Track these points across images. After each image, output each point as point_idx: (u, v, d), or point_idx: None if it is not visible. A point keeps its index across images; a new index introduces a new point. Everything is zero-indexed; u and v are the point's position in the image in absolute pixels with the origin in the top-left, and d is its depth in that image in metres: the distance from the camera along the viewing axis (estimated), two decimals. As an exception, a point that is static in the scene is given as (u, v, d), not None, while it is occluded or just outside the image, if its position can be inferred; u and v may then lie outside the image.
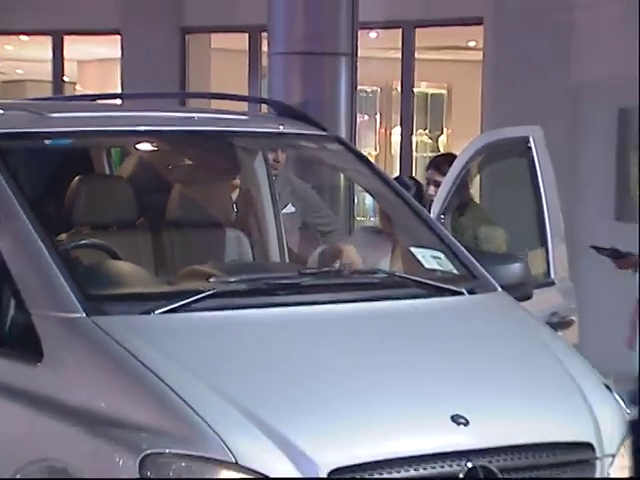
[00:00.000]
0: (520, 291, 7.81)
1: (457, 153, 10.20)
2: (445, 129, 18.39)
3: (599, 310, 12.84)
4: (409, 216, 8.18)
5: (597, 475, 6.39)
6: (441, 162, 11.25)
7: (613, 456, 6.47)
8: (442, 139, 17.98)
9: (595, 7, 14.92)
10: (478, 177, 9.99)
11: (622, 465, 6.45)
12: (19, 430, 6.34)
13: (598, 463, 6.37)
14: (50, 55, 19.30)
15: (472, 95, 16.77)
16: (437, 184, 10.47)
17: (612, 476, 6.40)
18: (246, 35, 17.12)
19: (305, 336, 6.79)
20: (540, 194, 8.96)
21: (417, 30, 16.66)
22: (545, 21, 15.37)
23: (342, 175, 7.97)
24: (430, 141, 17.78)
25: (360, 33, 14.38)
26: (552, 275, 8.79)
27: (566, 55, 15.17)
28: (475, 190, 10.45)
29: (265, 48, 15.11)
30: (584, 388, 6.80)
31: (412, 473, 5.99)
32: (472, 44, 16.88)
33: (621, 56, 14.79)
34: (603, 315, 13.12)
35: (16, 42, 20.31)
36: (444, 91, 18.76)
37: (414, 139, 17.07)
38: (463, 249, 7.92)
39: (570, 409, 6.67)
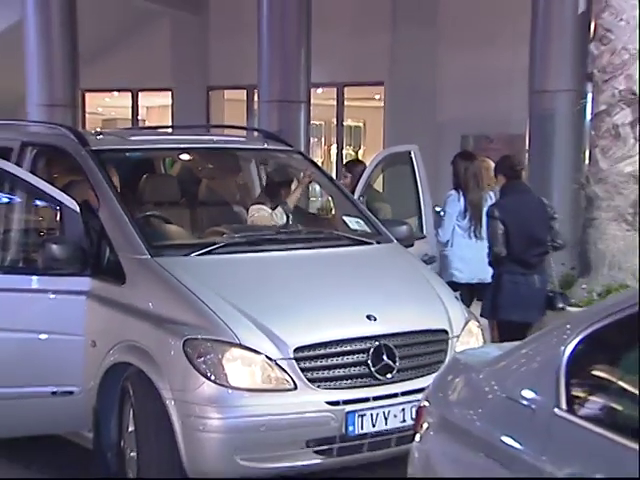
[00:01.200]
0: (406, 242, 7.98)
1: (367, 161, 10.22)
2: (362, 146, 18.57)
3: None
4: (341, 197, 8.35)
5: (449, 347, 6.70)
6: (350, 164, 11.15)
7: (458, 337, 6.80)
8: (360, 152, 18.04)
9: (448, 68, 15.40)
10: (381, 175, 10.02)
11: (462, 342, 6.75)
12: (112, 323, 6.55)
13: (450, 341, 6.71)
14: (130, 103, 19.32)
15: (377, 126, 16.97)
16: (346, 177, 10.45)
17: (457, 348, 6.64)
18: (245, 91, 17.29)
19: (280, 268, 7.05)
20: (417, 185, 8.95)
21: (345, 88, 16.91)
22: (416, 88, 15.45)
23: (301, 173, 8.17)
24: (353, 153, 17.86)
25: (312, 89, 14.67)
26: (424, 232, 8.87)
27: (433, 103, 15.40)
28: (379, 182, 10.48)
29: (256, 98, 15.32)
30: (442, 297, 7.12)
31: (344, 348, 6.28)
32: (377, 97, 16.98)
33: (470, 99, 14.99)
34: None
35: (111, 96, 20.34)
36: (361, 124, 18.80)
37: (344, 152, 17.38)
38: (373, 217, 8.12)
39: (435, 310, 6.92)
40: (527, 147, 12.17)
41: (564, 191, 11.29)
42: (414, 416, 5.53)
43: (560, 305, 8.80)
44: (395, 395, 6.35)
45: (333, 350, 6.28)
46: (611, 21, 8.61)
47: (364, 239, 7.69)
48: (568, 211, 11.02)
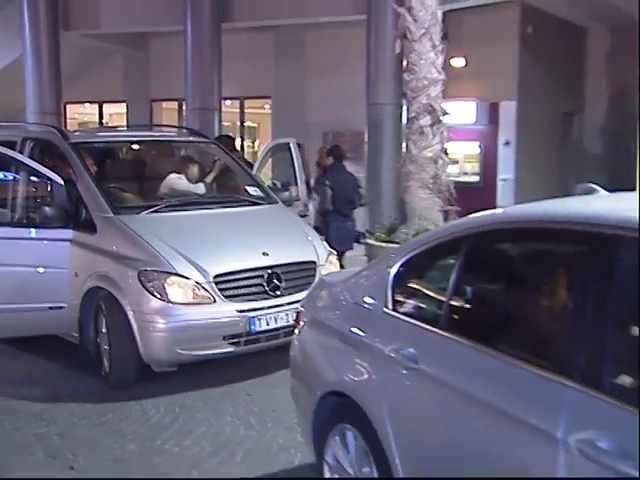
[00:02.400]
0: (288, 203, 7.94)
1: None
2: (257, 140, 18.48)
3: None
4: (243, 173, 8.11)
5: (317, 272, 6.64)
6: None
7: (322, 265, 6.74)
8: (256, 144, 17.88)
9: (313, 86, 15.22)
10: (270, 159, 10.01)
11: (325, 268, 6.68)
12: (88, 260, 6.46)
13: (317, 268, 6.67)
14: (97, 111, 19.05)
15: (267, 127, 16.87)
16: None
17: (322, 272, 6.55)
18: (176, 102, 17.01)
19: (202, 221, 6.89)
20: (294, 165, 8.73)
21: (245, 100, 16.76)
22: (292, 100, 15.54)
23: (215, 156, 8.07)
24: (251, 144, 17.74)
25: (223, 101, 14.60)
26: (300, 196, 8.81)
27: (303, 111, 15.37)
28: (269, 165, 10.46)
29: (184, 107, 15.21)
30: (312, 239, 7.09)
31: (249, 274, 6.28)
32: (267, 106, 16.86)
33: (328, 107, 14.76)
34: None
35: (83, 107, 19.75)
36: (256, 125, 18.64)
37: (245, 144, 17.24)
38: (265, 186, 8.06)
39: (307, 248, 6.88)
40: (366, 140, 12.16)
41: (390, 169, 11.34)
42: (294, 318, 5.43)
43: (361, 240, 9.82)
44: (282, 305, 6.38)
45: (240, 276, 6.30)
46: (416, 60, 8.74)
47: (259, 201, 7.62)
48: (393, 182, 11.15)
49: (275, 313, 6.34)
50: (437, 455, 3.13)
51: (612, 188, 3.83)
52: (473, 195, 11.91)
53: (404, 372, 3.26)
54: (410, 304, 3.58)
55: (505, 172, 13.99)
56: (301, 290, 6.35)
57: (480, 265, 3.39)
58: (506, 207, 3.44)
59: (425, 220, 8.75)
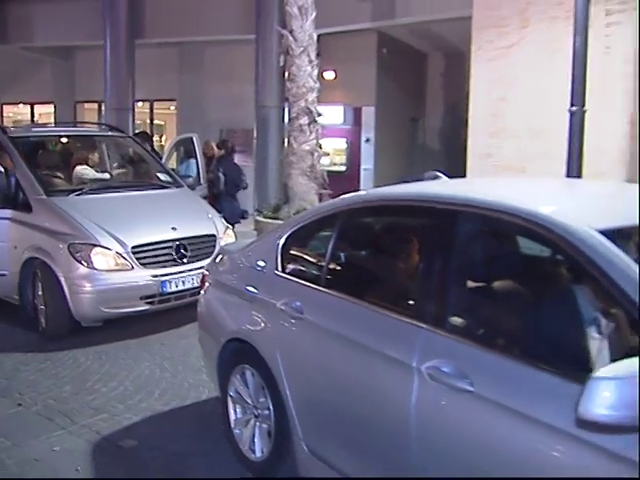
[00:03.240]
0: (192, 187, 7.75)
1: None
2: (164, 135, 18.01)
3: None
4: (155, 162, 7.83)
5: (217, 243, 6.50)
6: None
7: (221, 238, 6.62)
8: (163, 139, 17.38)
9: (212, 92, 15.16)
10: (175, 151, 9.82)
11: (224, 240, 6.54)
12: (25, 235, 6.22)
13: (217, 240, 6.55)
14: (29, 111, 18.29)
15: (172, 124, 16.50)
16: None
17: (221, 243, 6.45)
18: (97, 103, 16.42)
19: (121, 202, 6.65)
20: (197, 156, 8.85)
21: (155, 102, 16.32)
22: (194, 102, 15.29)
23: (130, 148, 7.85)
24: (159, 139, 17.31)
25: (135, 103, 14.26)
26: (201, 182, 8.66)
27: (202, 111, 15.10)
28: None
29: (103, 108, 14.72)
30: (212, 217, 6.94)
31: (161, 245, 6.13)
32: (172, 107, 16.48)
33: (224, 109, 14.61)
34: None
35: (18, 107, 18.78)
36: (163, 123, 18.16)
37: (154, 139, 16.74)
38: (172, 172, 7.87)
39: (208, 223, 6.73)
40: (255, 136, 12.07)
41: (274, 159, 11.42)
42: (199, 281, 5.44)
43: (246, 216, 9.76)
44: (188, 270, 6.29)
45: (153, 247, 6.17)
46: (296, 72, 8.78)
47: (168, 185, 7.44)
48: (277, 170, 11.23)
49: (183, 277, 6.25)
50: (319, 385, 3.17)
51: (449, 176, 3.96)
52: (341, 181, 11.89)
53: (292, 321, 3.28)
54: (296, 267, 3.59)
55: (366, 163, 14.18)
56: (204, 258, 6.34)
57: (351, 235, 3.44)
58: (369, 189, 3.47)
59: (304, 201, 8.83)
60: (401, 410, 2.58)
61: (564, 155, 7.66)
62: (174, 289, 6.20)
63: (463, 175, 10.96)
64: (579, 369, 2.04)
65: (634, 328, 2.04)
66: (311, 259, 3.58)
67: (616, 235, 2.26)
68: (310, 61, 8.76)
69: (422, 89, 15.88)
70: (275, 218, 8.93)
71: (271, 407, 3.46)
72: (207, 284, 4.26)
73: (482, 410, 2.28)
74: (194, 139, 8.92)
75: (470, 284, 2.71)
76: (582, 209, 2.63)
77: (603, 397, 1.79)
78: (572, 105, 6.95)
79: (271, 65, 11.40)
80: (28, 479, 3.28)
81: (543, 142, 9.09)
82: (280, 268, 3.58)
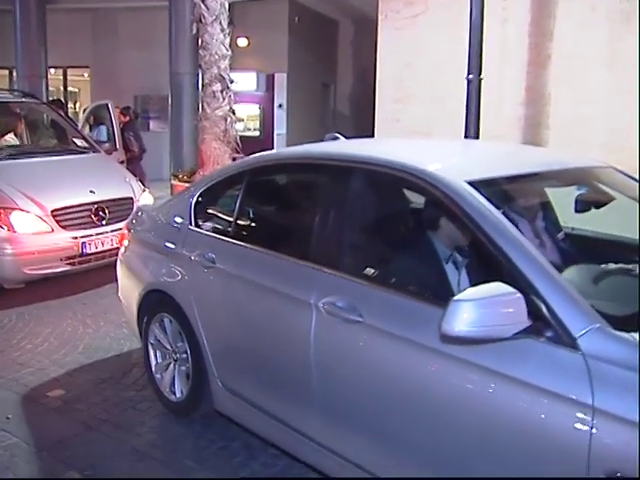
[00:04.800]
0: (107, 152, 7.81)
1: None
2: (78, 102, 17.37)
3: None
4: (71, 127, 7.72)
5: (134, 205, 6.46)
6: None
7: (138, 200, 6.63)
8: (77, 107, 16.74)
9: (125, 59, 14.76)
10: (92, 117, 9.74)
11: (141, 201, 6.62)
12: None
13: (134, 202, 6.55)
14: None
15: (86, 91, 16.12)
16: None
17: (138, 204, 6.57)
18: (8, 70, 15.77)
19: (40, 167, 6.59)
20: (112, 121, 8.89)
21: (68, 69, 15.93)
22: (108, 70, 14.94)
23: (45, 114, 7.72)
24: (73, 107, 16.86)
25: (49, 70, 13.98)
26: (117, 147, 8.63)
27: (118, 78, 14.78)
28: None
29: (15, 74, 14.26)
30: (129, 180, 6.95)
31: (79, 208, 6.16)
32: (85, 74, 16.01)
33: (139, 76, 14.41)
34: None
35: None
36: (77, 90, 17.50)
37: (69, 105, 16.23)
38: (89, 138, 7.84)
39: (125, 187, 6.77)
40: (170, 103, 11.96)
41: (189, 125, 11.35)
42: (119, 239, 5.58)
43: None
44: (107, 232, 6.36)
45: (73, 210, 6.20)
46: (209, 39, 8.80)
47: (85, 150, 7.42)
48: (191, 135, 11.23)
49: (102, 238, 6.32)
50: (230, 326, 3.40)
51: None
52: (256, 146, 11.71)
53: (205, 271, 3.48)
54: (207, 222, 3.76)
55: (279, 128, 14.29)
56: (122, 220, 6.27)
57: (256, 191, 3.65)
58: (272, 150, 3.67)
59: (218, 165, 8.88)
60: (302, 342, 2.85)
61: (461, 120, 8.07)
62: (94, 250, 6.26)
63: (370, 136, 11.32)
64: (444, 297, 2.35)
65: (488, 261, 2.37)
66: (221, 214, 3.76)
67: (483, 185, 2.57)
68: (222, 29, 8.80)
69: (333, 56, 16.08)
70: (189, 181, 8.99)
71: (188, 350, 3.67)
72: (127, 241, 4.38)
73: (370, 337, 2.58)
74: (109, 106, 8.82)
75: (359, 231, 3.00)
76: (459, 165, 2.93)
77: (462, 316, 2.10)
78: (469, 73, 7.32)
79: (184, 32, 11.26)
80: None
81: (446, 107, 9.45)
82: (193, 223, 3.76)
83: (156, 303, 3.93)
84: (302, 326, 2.86)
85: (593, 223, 3.29)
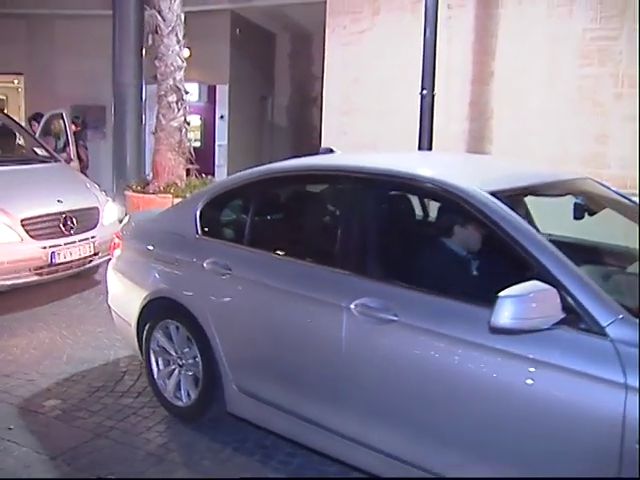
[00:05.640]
0: (66, 162, 7.73)
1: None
2: (6, 110, 16.61)
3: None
4: (30, 137, 7.72)
5: (100, 216, 6.70)
6: (35, 116, 10.16)
7: (104, 210, 6.76)
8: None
9: (60, 67, 14.43)
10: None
11: (105, 212, 6.76)
12: None
13: (100, 212, 6.67)
14: None
15: (15, 99, 15.72)
16: (35, 125, 9.71)
17: (104, 216, 6.64)
18: None
19: (4, 177, 6.48)
20: (67, 131, 8.81)
21: None
22: (42, 78, 14.55)
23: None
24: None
25: None
26: (72, 157, 8.54)
27: (53, 87, 14.47)
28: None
29: None
30: (94, 191, 6.99)
31: (48, 217, 6.15)
32: (16, 82, 15.54)
33: (78, 86, 14.27)
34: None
35: None
36: (4, 97, 16.80)
37: None
38: (49, 147, 7.72)
39: (91, 197, 6.84)
40: (113, 113, 11.83)
41: (132, 135, 11.34)
42: (85, 252, 6.12)
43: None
44: (75, 242, 6.37)
45: (42, 219, 6.19)
46: (165, 51, 8.82)
47: (47, 159, 7.37)
48: (135, 145, 11.26)
49: (70, 248, 6.32)
50: (250, 330, 3.51)
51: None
52: (198, 157, 12.01)
53: (221, 278, 3.57)
54: (217, 230, 3.89)
55: (221, 139, 14.32)
56: (89, 230, 6.54)
57: (277, 200, 3.85)
58: (277, 162, 3.84)
59: (172, 175, 8.93)
60: (333, 343, 3.02)
61: (409, 133, 8.45)
62: (62, 260, 6.25)
63: (310, 151, 11.63)
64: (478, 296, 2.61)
65: (518, 262, 2.64)
66: (234, 223, 3.90)
67: (501, 195, 2.84)
68: (178, 40, 8.85)
69: (271, 69, 16.22)
70: (144, 192, 8.98)
71: (199, 355, 3.76)
72: (119, 250, 4.43)
73: (407, 335, 2.79)
74: (64, 115, 8.72)
75: (387, 238, 3.21)
76: (474, 177, 3.17)
77: (507, 310, 2.36)
78: (423, 89, 7.73)
79: (129, 42, 11.22)
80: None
81: (391, 121, 9.86)
82: (200, 232, 3.87)
83: (160, 310, 3.98)
84: (332, 328, 3.01)
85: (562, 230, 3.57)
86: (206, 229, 3.89)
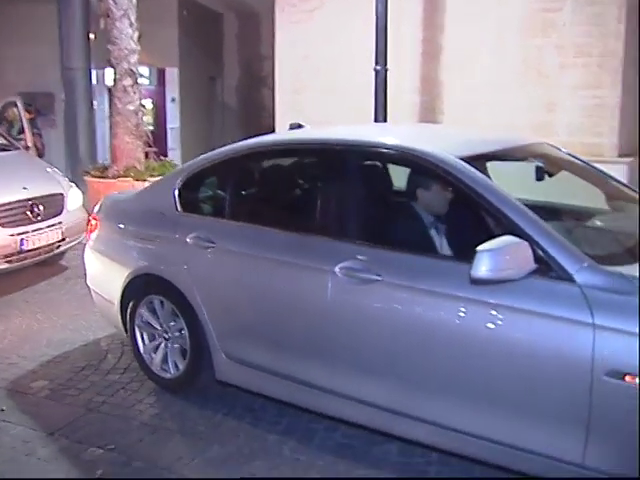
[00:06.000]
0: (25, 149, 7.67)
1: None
2: None
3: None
4: None
5: (65, 201, 6.69)
6: None
7: (68, 195, 6.76)
8: None
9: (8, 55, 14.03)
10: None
11: (70, 197, 6.74)
12: None
13: (64, 197, 6.65)
14: None
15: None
16: None
17: (67, 201, 6.61)
18: None
19: None
20: (22, 119, 8.68)
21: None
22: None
23: None
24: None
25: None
26: (29, 145, 8.46)
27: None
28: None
29: None
30: (57, 177, 6.99)
31: (15, 205, 6.14)
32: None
33: (21, 72, 13.90)
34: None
35: None
36: None
37: None
38: (9, 137, 7.67)
39: (55, 183, 6.78)
40: (63, 99, 11.69)
41: (84, 121, 11.31)
42: (53, 238, 6.14)
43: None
44: (42, 228, 6.37)
45: (9, 207, 6.17)
46: (118, 34, 8.75)
47: (6, 147, 7.29)
48: (86, 130, 11.26)
49: (38, 235, 6.32)
50: (238, 299, 3.64)
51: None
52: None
53: (205, 251, 3.71)
54: (199, 206, 4.03)
55: (172, 122, 14.25)
56: (55, 216, 6.54)
57: (257, 174, 3.99)
58: (258, 138, 3.97)
59: (131, 159, 8.91)
60: (318, 305, 3.21)
61: (361, 107, 8.65)
62: (31, 247, 6.25)
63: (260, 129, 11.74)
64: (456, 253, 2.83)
65: (491, 220, 2.89)
66: (213, 198, 4.03)
67: (470, 160, 3.07)
68: (131, 24, 8.80)
69: (219, 49, 16.15)
70: (102, 177, 8.95)
71: (186, 328, 3.89)
72: (97, 230, 4.48)
73: (391, 292, 2.99)
74: (18, 103, 8.61)
75: (363, 204, 3.39)
76: (438, 144, 3.39)
77: (485, 263, 2.59)
78: (376, 64, 7.92)
79: (75, 27, 11.12)
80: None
81: (342, 97, 10.04)
82: (180, 208, 3.98)
83: (144, 287, 4.08)
84: (318, 291, 3.20)
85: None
86: (186, 205, 4.00)
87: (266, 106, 16.77)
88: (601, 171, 3.87)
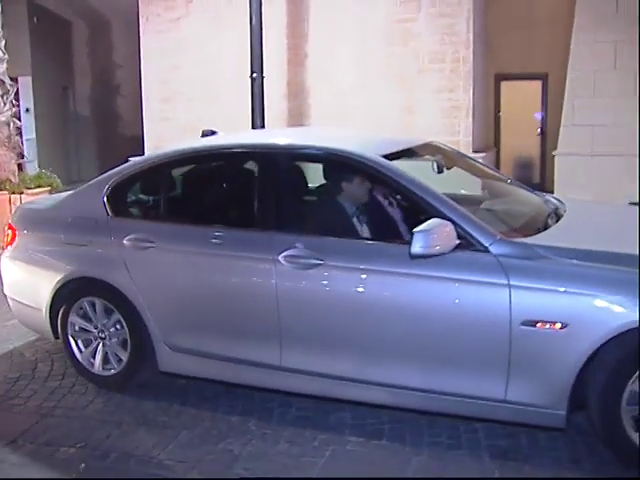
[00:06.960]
0: None
1: None
2: None
3: None
4: None
5: None
6: None
7: None
8: None
9: None
10: None
11: None
12: None
13: None
14: None
15: None
16: None
17: None
18: None
19: None
20: None
21: None
22: None
23: None
24: None
25: None
26: None
27: None
28: None
29: None
30: None
31: None
32: None
33: None
34: None
35: None
36: None
37: None
38: None
39: None
40: None
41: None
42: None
43: None
44: None
45: None
46: None
47: None
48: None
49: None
50: (180, 292, 3.82)
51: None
52: None
53: (146, 251, 3.88)
54: (132, 210, 4.20)
55: (29, 133, 13.64)
56: None
57: (191, 177, 4.22)
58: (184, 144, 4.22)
59: (5, 171, 8.67)
60: (266, 292, 3.54)
61: (232, 114, 9.05)
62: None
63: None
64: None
65: (416, 207, 3.42)
66: (146, 201, 4.22)
67: (390, 157, 3.59)
68: (0, 34, 8.57)
69: (70, 58, 15.75)
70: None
71: (125, 325, 4.03)
72: (17, 241, 4.48)
73: (334, 273, 3.40)
74: None
75: (297, 199, 3.82)
76: (357, 144, 3.81)
77: (421, 241, 3.12)
78: (252, 72, 8.36)
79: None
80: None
81: (214, 104, 10.36)
82: (112, 213, 4.12)
83: (75, 291, 4.17)
84: (263, 278, 3.55)
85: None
86: (117, 210, 4.15)
87: (122, 115, 16.58)
88: (482, 163, 4.56)
